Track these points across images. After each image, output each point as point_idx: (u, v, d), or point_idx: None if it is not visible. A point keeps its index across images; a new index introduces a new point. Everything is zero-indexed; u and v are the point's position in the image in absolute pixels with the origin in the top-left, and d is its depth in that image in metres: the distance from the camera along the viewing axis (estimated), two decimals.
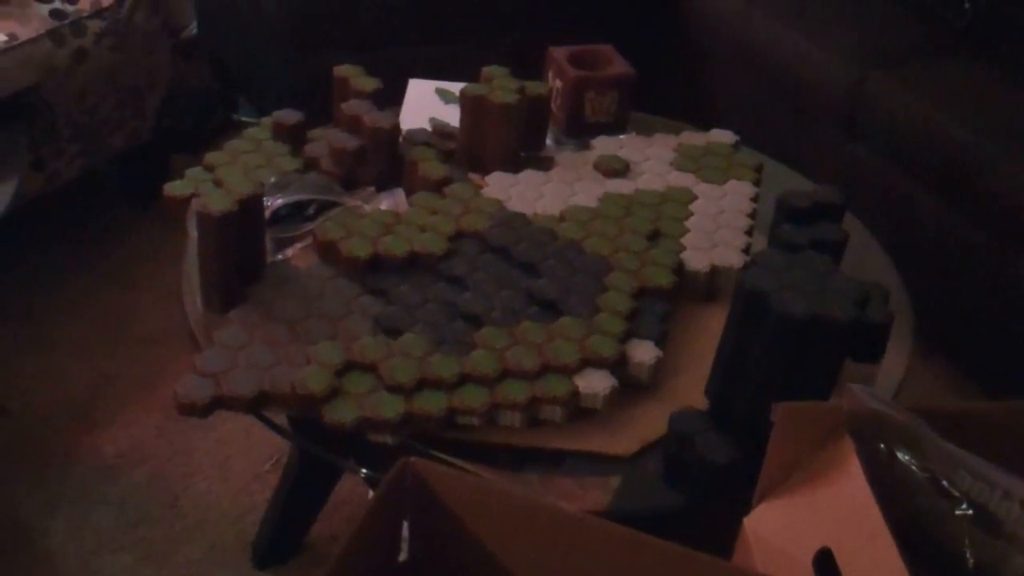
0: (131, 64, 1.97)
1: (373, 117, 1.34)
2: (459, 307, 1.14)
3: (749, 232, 1.30)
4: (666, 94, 2.05)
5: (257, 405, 1.03)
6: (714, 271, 1.23)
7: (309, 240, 1.24)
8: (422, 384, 1.04)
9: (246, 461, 1.70)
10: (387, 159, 1.34)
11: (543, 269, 1.19)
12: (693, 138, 1.48)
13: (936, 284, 1.85)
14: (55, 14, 1.84)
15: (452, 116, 1.42)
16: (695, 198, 1.35)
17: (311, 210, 1.28)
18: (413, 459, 0.83)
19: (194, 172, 1.31)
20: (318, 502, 1.56)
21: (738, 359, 1.00)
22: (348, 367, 1.05)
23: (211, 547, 1.57)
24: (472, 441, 1.04)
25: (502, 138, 1.37)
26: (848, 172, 2.00)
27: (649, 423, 1.07)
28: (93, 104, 1.91)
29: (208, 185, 1.27)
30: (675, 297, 1.20)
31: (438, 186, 1.31)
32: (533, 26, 2.24)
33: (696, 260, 1.24)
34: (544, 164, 1.40)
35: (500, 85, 1.36)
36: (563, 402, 1.05)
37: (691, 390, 1.09)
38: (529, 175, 1.36)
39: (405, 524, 0.85)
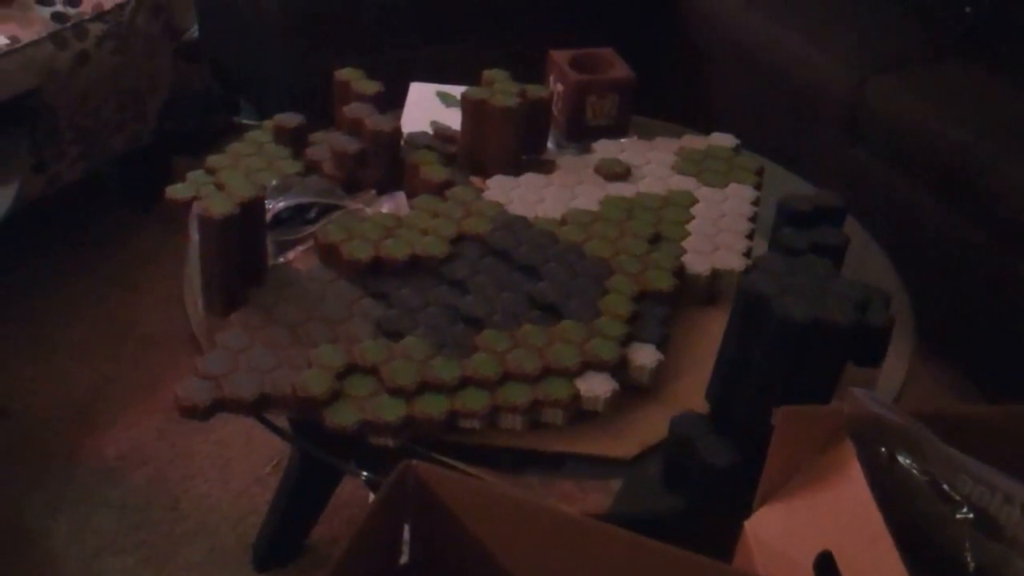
0: (133, 67, 1.97)
1: (374, 120, 1.34)
2: (460, 310, 1.14)
3: (750, 236, 1.30)
4: (667, 98, 2.06)
5: (258, 408, 1.03)
6: (715, 275, 1.24)
7: (310, 243, 1.24)
8: (423, 387, 1.04)
9: (247, 464, 1.70)
10: (388, 162, 1.34)
11: (544, 272, 1.19)
12: (694, 142, 1.48)
13: (937, 287, 1.85)
14: (57, 17, 1.84)
15: (453, 119, 1.43)
16: (696, 202, 1.35)
17: (312, 213, 1.28)
18: (414, 462, 0.83)
19: (195, 175, 1.31)
20: (319, 505, 1.56)
21: (739, 363, 1.00)
22: (349, 370, 1.05)
23: (212, 549, 1.57)
24: (473, 444, 1.04)
25: (503, 141, 1.37)
26: (849, 175, 2.00)
27: (650, 426, 1.07)
28: (95, 107, 1.91)
29: (209, 188, 1.27)
30: (676, 300, 1.20)
31: (439, 189, 1.31)
32: (534, 30, 2.24)
33: (697, 263, 1.24)
34: (545, 167, 1.40)
35: (501, 88, 1.37)
36: (564, 405, 1.05)
37: (692, 393, 1.09)
38: (530, 178, 1.36)
39: (406, 527, 0.85)
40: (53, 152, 1.87)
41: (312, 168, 1.34)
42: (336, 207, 1.28)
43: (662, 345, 1.13)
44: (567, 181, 1.37)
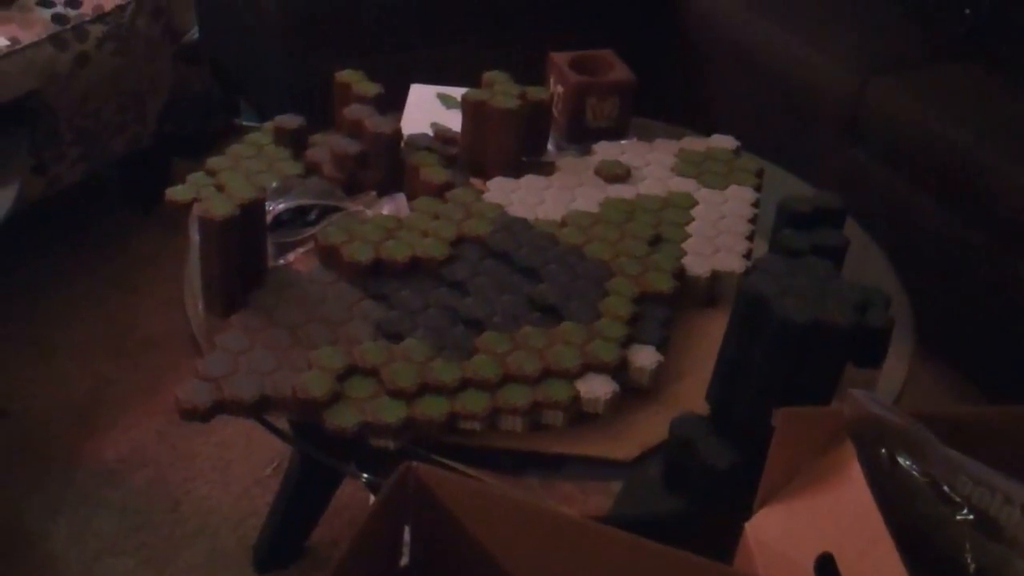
0: (133, 69, 1.97)
1: (375, 122, 1.34)
2: (460, 312, 1.14)
3: (750, 237, 1.30)
4: (667, 99, 2.06)
5: (258, 409, 1.03)
6: (715, 276, 1.24)
7: (310, 245, 1.24)
8: (423, 389, 1.04)
9: (247, 465, 1.70)
10: (389, 164, 1.34)
11: (544, 274, 1.19)
12: (694, 143, 1.48)
13: (937, 288, 1.85)
14: (57, 19, 1.85)
15: (454, 121, 1.43)
16: (696, 203, 1.35)
17: (312, 215, 1.28)
18: (414, 464, 0.83)
19: (196, 177, 1.32)
20: (319, 506, 1.56)
21: (739, 364, 1.00)
22: (349, 372, 1.05)
23: (212, 551, 1.57)
24: (473, 446, 1.04)
25: (503, 143, 1.37)
26: (849, 177, 2.00)
27: (650, 428, 1.07)
28: (95, 108, 1.91)
29: (210, 190, 1.27)
30: (676, 302, 1.20)
31: (439, 191, 1.31)
32: (534, 31, 2.24)
33: (697, 265, 1.24)
34: (545, 169, 1.40)
35: (501, 90, 1.37)
36: (564, 407, 1.05)
37: (692, 395, 1.09)
38: (530, 180, 1.37)
39: (406, 529, 0.85)
40: (53, 154, 1.87)
41: (312, 170, 1.34)
42: (336, 209, 1.28)
43: (662, 347, 1.13)
44: (567, 183, 1.37)
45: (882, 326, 1.01)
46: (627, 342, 1.12)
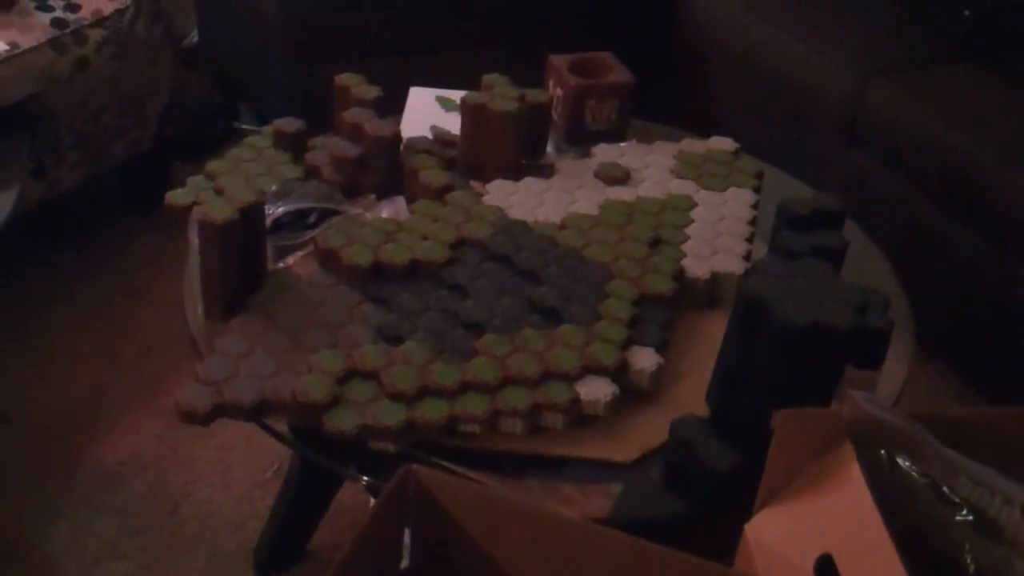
0: (132, 73, 1.98)
1: (374, 125, 1.34)
2: (460, 315, 1.14)
3: (749, 239, 1.30)
4: (666, 101, 2.06)
5: (258, 413, 1.03)
6: (715, 278, 1.24)
7: (310, 248, 1.24)
8: (423, 392, 1.04)
9: (247, 469, 1.70)
10: (388, 167, 1.35)
11: (544, 277, 1.19)
12: (693, 145, 1.48)
13: (936, 289, 1.85)
14: (56, 23, 1.85)
15: (453, 124, 1.43)
16: (695, 205, 1.35)
17: (312, 218, 1.28)
18: (415, 466, 0.83)
19: (195, 180, 1.32)
20: (319, 510, 1.56)
21: (739, 366, 1.00)
22: (349, 375, 1.05)
23: (212, 555, 1.57)
24: (473, 448, 1.04)
25: (503, 146, 1.37)
26: (848, 179, 2.00)
27: (650, 430, 1.07)
28: (94, 113, 1.92)
29: (209, 193, 1.28)
30: (676, 304, 1.21)
31: (439, 194, 1.31)
32: (534, 34, 2.24)
33: (697, 267, 1.24)
34: (545, 172, 1.40)
35: (501, 93, 1.37)
36: (564, 409, 1.05)
37: (692, 397, 1.09)
38: (530, 183, 1.37)
39: (407, 531, 0.85)
40: (53, 158, 1.87)
41: (312, 173, 1.34)
42: (336, 212, 1.28)
43: (662, 349, 1.13)
44: (567, 185, 1.37)
45: (881, 328, 1.01)
46: (627, 344, 1.12)
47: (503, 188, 1.35)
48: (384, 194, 1.34)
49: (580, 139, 1.47)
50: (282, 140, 1.37)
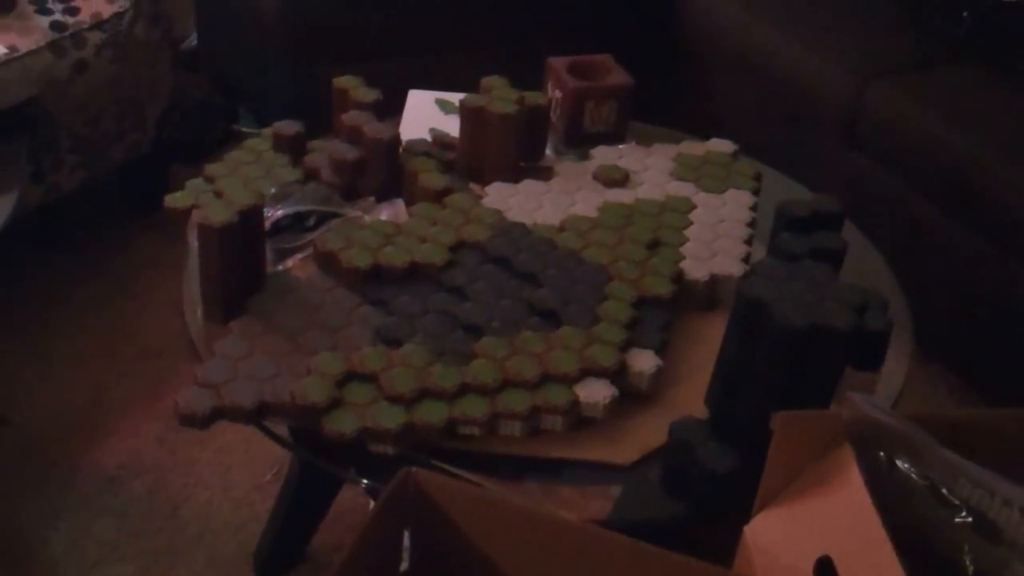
0: (131, 76, 1.98)
1: (373, 128, 1.34)
2: (459, 317, 1.14)
3: (748, 241, 1.30)
4: (665, 103, 2.06)
5: (258, 416, 1.03)
6: (714, 280, 1.24)
7: (309, 251, 1.24)
8: (423, 394, 1.04)
9: (247, 472, 1.70)
10: (387, 170, 1.35)
11: (543, 279, 1.19)
12: (692, 147, 1.48)
13: (935, 291, 1.85)
14: (55, 26, 1.85)
15: (452, 126, 1.43)
16: (694, 207, 1.35)
17: (311, 221, 1.28)
18: (414, 469, 0.83)
19: (194, 183, 1.32)
20: (319, 512, 1.56)
21: (738, 368, 1.00)
22: (348, 377, 1.05)
23: (212, 558, 1.57)
24: (473, 451, 1.04)
25: (502, 148, 1.37)
26: (847, 180, 2.00)
27: (649, 432, 1.07)
28: (94, 116, 1.92)
29: (208, 196, 1.28)
30: (675, 306, 1.21)
31: (438, 196, 1.31)
32: (532, 36, 2.24)
33: (696, 269, 1.24)
34: (544, 174, 1.40)
35: (500, 95, 1.37)
36: (563, 411, 1.05)
37: (691, 399, 1.09)
38: (529, 185, 1.37)
39: (406, 534, 0.85)
40: (52, 161, 1.87)
41: (311, 176, 1.34)
42: (335, 215, 1.29)
43: (661, 351, 1.13)
44: (566, 187, 1.37)
45: (881, 329, 1.01)
46: (626, 346, 1.12)
47: (502, 190, 1.35)
48: (383, 197, 1.34)
49: (579, 141, 1.47)
50: (281, 143, 1.37)
